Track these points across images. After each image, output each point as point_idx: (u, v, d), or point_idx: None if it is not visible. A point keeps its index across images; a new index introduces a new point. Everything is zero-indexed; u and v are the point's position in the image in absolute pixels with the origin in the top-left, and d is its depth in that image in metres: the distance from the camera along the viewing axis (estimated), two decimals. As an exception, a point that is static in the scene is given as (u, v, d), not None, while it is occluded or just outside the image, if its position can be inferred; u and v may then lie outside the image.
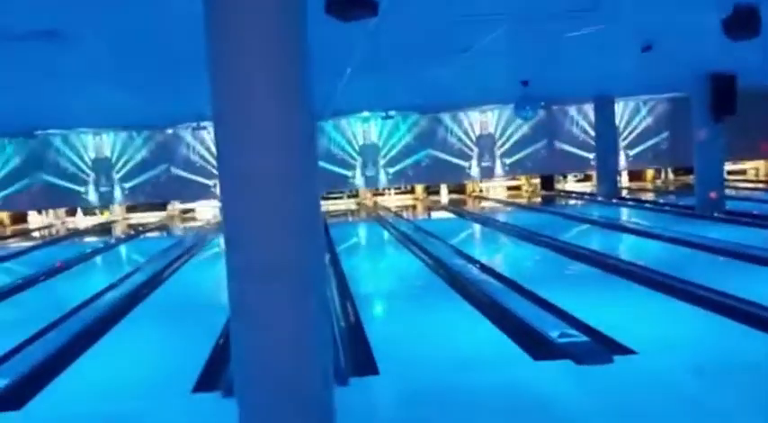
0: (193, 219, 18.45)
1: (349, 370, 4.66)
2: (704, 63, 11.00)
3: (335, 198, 19.79)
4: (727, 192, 13.24)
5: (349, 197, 20.10)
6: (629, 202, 15.82)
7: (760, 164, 20.64)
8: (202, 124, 16.19)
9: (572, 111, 19.81)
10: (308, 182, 3.22)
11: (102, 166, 18.86)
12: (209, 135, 18.01)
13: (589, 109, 18.46)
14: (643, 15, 6.67)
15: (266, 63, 3.11)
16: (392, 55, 8.27)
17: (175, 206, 19.75)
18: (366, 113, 18.16)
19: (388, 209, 17.80)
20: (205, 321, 6.35)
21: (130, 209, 19.88)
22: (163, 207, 19.82)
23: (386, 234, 13.03)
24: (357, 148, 19.60)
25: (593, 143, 18.21)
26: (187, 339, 5.96)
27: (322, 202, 17.88)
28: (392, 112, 18.47)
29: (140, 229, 16.70)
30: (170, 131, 18.81)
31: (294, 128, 3.16)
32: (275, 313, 3.16)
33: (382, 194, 20.16)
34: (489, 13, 6.12)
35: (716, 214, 11.95)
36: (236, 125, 3.15)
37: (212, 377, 4.73)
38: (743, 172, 20.64)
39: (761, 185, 18.04)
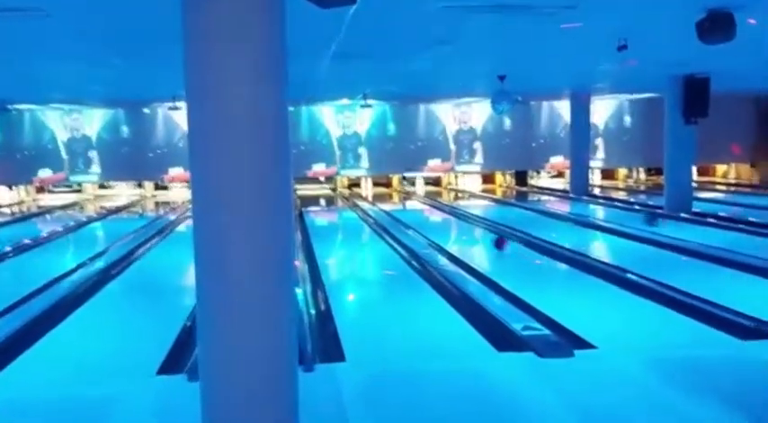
0: (167, 200, 18.30)
1: (316, 356, 4.70)
2: (678, 65, 11.17)
3: (311, 183, 19.76)
4: (697, 194, 13.51)
5: (325, 184, 20.10)
6: (600, 200, 16.04)
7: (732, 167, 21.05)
8: (177, 104, 16.05)
9: (548, 106, 20.01)
10: (279, 166, 3.22)
11: (76, 143, 18.62)
12: (183, 115, 17.87)
13: (565, 106, 18.62)
14: (619, 15, 6.76)
15: (241, 46, 3.10)
16: (371, 44, 8.27)
17: (149, 185, 19.58)
18: (345, 101, 18.15)
19: (364, 198, 17.83)
20: (173, 304, 6.34)
21: (103, 187, 19.67)
22: (138, 186, 19.65)
23: (360, 223, 13.06)
24: (334, 135, 19.61)
25: (567, 140, 18.41)
26: (153, 322, 5.94)
27: (297, 188, 17.89)
28: (371, 101, 18.47)
29: (112, 207, 16.53)
30: (146, 110, 18.62)
31: (267, 111, 3.17)
32: (241, 297, 3.18)
33: (358, 185, 20.19)
34: (469, 6, 6.15)
35: (684, 215, 12.18)
36: (208, 107, 3.15)
37: (178, 360, 4.74)
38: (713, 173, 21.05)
39: (731, 188, 18.40)
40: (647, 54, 9.29)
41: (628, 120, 20.32)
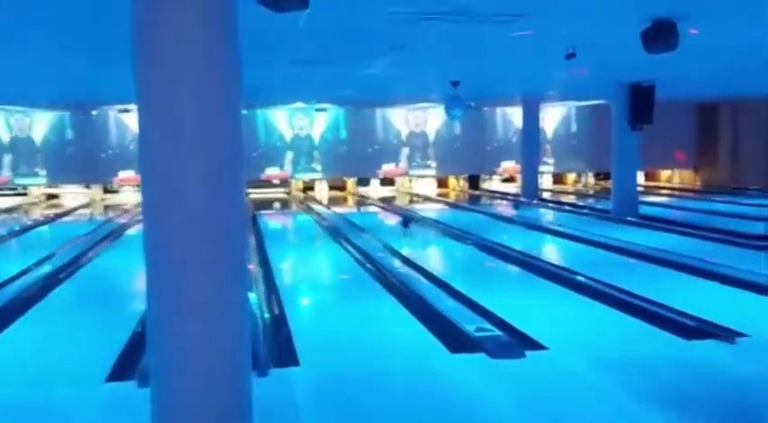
0: (116, 203, 17.91)
1: (270, 361, 4.68)
2: (625, 73, 11.49)
3: (265, 187, 19.61)
4: (643, 198, 13.91)
5: (279, 187, 19.97)
6: (550, 204, 16.36)
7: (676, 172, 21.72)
8: (128, 107, 15.76)
9: (501, 112, 20.35)
10: (232, 169, 3.20)
11: (22, 145, 18.08)
12: (134, 118, 17.55)
13: (517, 112, 18.94)
14: (568, 24, 6.93)
15: (193, 49, 3.08)
16: (325, 49, 8.28)
17: (98, 189, 19.14)
18: (299, 105, 18.09)
19: (318, 201, 17.78)
20: (122, 309, 6.23)
21: (51, 190, 19.13)
22: (86, 188, 19.18)
23: (315, 226, 13.03)
24: (288, 138, 19.54)
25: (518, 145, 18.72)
26: (102, 327, 5.82)
27: (251, 191, 17.70)
28: (325, 105, 18.47)
29: (61, 211, 16.10)
30: (95, 112, 18.21)
31: (219, 114, 3.14)
32: (193, 300, 3.15)
33: (312, 188, 20.13)
34: (421, 13, 6.22)
35: (630, 218, 12.51)
36: (159, 110, 3.12)
37: (128, 366, 4.66)
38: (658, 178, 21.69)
39: (675, 192, 18.98)
40: (595, 62, 9.54)
41: (577, 126, 20.82)
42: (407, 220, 12.58)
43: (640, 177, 16.57)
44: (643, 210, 13.27)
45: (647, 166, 18.79)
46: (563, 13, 6.33)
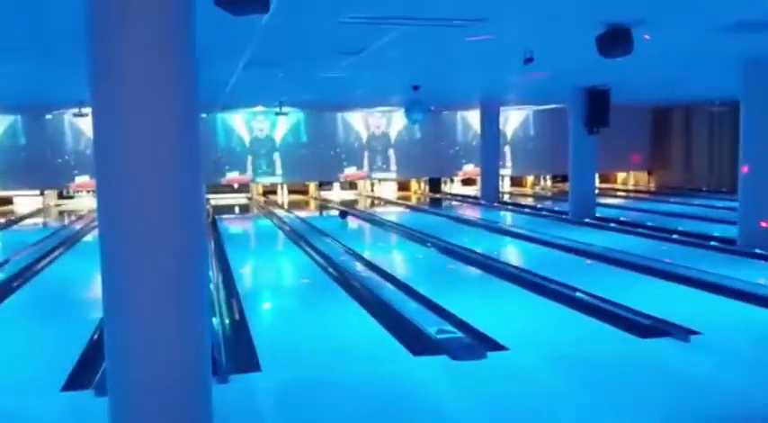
0: (72, 209, 17.52)
1: (231, 367, 4.63)
2: (581, 78, 11.70)
3: (225, 192, 19.41)
4: (600, 200, 14.18)
5: (239, 192, 19.79)
6: (510, 207, 16.56)
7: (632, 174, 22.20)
8: (83, 111, 15.41)
9: (462, 116, 20.54)
10: (189, 173, 3.18)
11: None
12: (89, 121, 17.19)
13: (476, 116, 19.12)
14: (525, 29, 7.03)
15: (149, 52, 3.05)
16: (284, 52, 8.25)
17: (52, 194, 18.69)
18: (260, 108, 17.97)
19: (279, 205, 17.68)
20: (78, 317, 6.09)
21: (4, 194, 18.60)
22: (40, 194, 18.70)
23: (276, 230, 12.95)
24: (249, 142, 19.39)
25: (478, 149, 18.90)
26: (58, 335, 5.69)
27: (211, 197, 17.45)
28: (286, 109, 18.38)
29: (14, 217, 15.67)
30: (49, 116, 17.79)
31: (177, 118, 3.12)
32: (151, 306, 3.12)
33: (274, 192, 20.01)
34: (380, 17, 6.25)
35: (587, 220, 12.75)
36: (114, 114, 3.07)
37: (85, 375, 4.56)
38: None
39: (630, 194, 19.39)
40: (552, 67, 9.70)
41: (535, 129, 21.14)
42: (345, 212, 14.59)
43: (597, 180, 16.90)
44: (600, 211, 13.53)
45: (604, 168, 19.17)
46: (520, 18, 6.42)
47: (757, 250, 8.67)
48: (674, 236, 10.48)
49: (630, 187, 21.41)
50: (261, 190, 20.01)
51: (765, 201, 8.98)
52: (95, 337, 5.27)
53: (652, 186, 20.96)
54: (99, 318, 5.23)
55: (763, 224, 8.87)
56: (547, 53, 8.10)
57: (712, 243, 9.70)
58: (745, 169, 9.18)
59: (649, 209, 14.87)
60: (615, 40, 6.44)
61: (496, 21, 6.48)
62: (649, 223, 12.10)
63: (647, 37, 6.64)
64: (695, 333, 5.24)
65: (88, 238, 11.60)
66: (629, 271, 7.98)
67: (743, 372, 4.54)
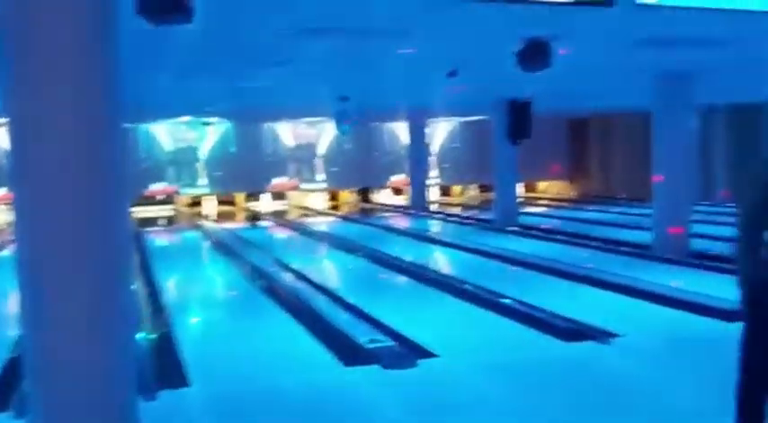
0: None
1: (159, 383, 4.53)
2: (503, 90, 12.04)
3: (150, 204, 18.90)
4: (523, 208, 14.58)
5: (164, 204, 19.31)
6: (438, 215, 16.83)
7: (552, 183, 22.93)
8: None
9: (390, 127, 20.75)
10: (111, 185, 3.11)
11: None
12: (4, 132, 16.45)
13: (405, 126, 19.35)
14: (449, 42, 7.20)
15: (68, 61, 2.98)
16: (210, 62, 8.16)
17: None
18: (185, 118, 17.64)
19: (206, 217, 17.36)
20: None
21: None
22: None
23: (203, 243, 12.72)
24: (174, 153, 18.98)
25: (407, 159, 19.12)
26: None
27: (135, 209, 16.86)
28: (213, 119, 18.12)
29: None
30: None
31: (97, 128, 3.05)
32: (72, 323, 3.02)
33: (200, 204, 19.63)
34: (306, 29, 6.28)
35: (510, 228, 13.09)
36: (31, 124, 2.98)
37: (3, 396, 4.37)
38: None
39: (552, 202, 20.03)
40: (475, 79, 9.95)
41: (461, 140, 21.58)
42: (255, 217, 15.40)
43: (520, 188, 17.38)
44: (523, 219, 13.93)
45: (526, 177, 19.74)
46: (443, 32, 6.58)
47: (670, 255, 9.12)
48: (594, 242, 10.90)
49: (552, 196, 22.11)
50: (186, 202, 19.59)
51: (676, 208, 9.46)
52: (15, 355, 5.05)
53: (573, 195, 21.72)
54: (17, 335, 5.03)
55: (673, 231, 9.34)
56: (470, 66, 8.32)
57: (629, 249, 10.15)
58: (657, 178, 9.66)
59: (570, 216, 15.40)
60: (534, 55, 6.67)
61: (421, 35, 6.62)
62: (570, 230, 12.53)
63: (562, 51, 6.91)
64: (616, 335, 5.47)
65: (5, 252, 11.08)
66: (551, 277, 8.24)
67: (661, 370, 4.77)
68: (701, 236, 9.64)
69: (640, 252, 9.76)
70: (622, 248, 10.24)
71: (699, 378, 4.52)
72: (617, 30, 6.55)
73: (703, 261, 8.64)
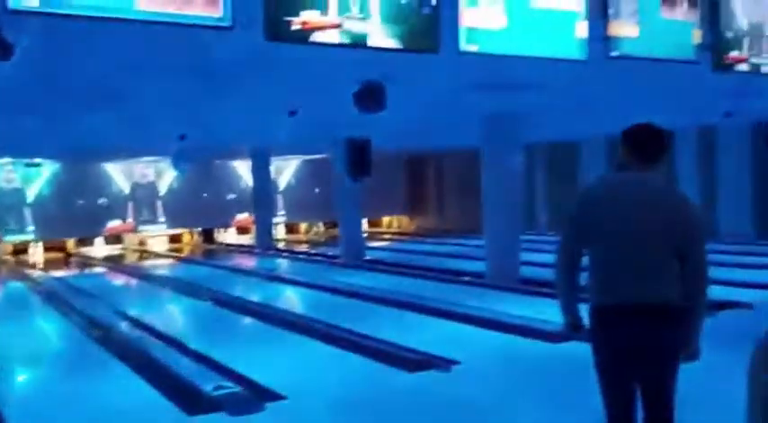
0: None
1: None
2: (342, 129, 12.35)
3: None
4: (369, 243, 14.93)
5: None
6: (285, 254, 16.75)
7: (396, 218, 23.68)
8: None
9: (233, 165, 20.47)
10: None
11: None
12: None
13: (248, 165, 19.18)
14: (287, 82, 7.33)
15: None
16: (36, 100, 7.69)
17: None
18: (7, 159, 16.31)
19: (32, 265, 16.04)
20: None
21: None
22: None
23: (30, 294, 11.73)
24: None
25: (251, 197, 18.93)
26: None
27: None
28: (37, 160, 16.90)
29: None
30: None
31: None
32: None
33: (25, 251, 18.10)
34: (140, 66, 6.14)
35: (358, 263, 13.34)
36: None
37: None
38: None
39: (395, 237, 20.66)
40: (315, 119, 10.16)
41: (307, 178, 21.75)
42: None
43: (365, 224, 17.78)
44: (369, 253, 14.25)
45: (369, 213, 20.25)
46: (280, 73, 6.70)
47: (502, 283, 9.74)
48: (434, 273, 11.38)
49: (395, 230, 22.82)
50: (10, 249, 18.00)
51: (505, 239, 10.14)
52: None
53: (413, 229, 22.55)
54: None
55: (504, 260, 9.97)
56: (310, 106, 8.50)
57: (466, 278, 10.70)
58: (487, 212, 10.33)
59: (412, 249, 15.97)
60: (370, 97, 6.96)
61: (260, 74, 6.69)
62: (412, 263, 12.99)
63: (396, 94, 7.23)
64: (456, 363, 5.73)
65: None
66: (395, 309, 8.49)
67: (500, 393, 5.06)
68: (529, 263, 10.39)
69: (476, 281, 10.33)
70: (460, 278, 10.78)
71: (532, 396, 4.86)
72: (444, 74, 7.01)
73: (531, 287, 9.32)
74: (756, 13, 6.04)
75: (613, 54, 5.34)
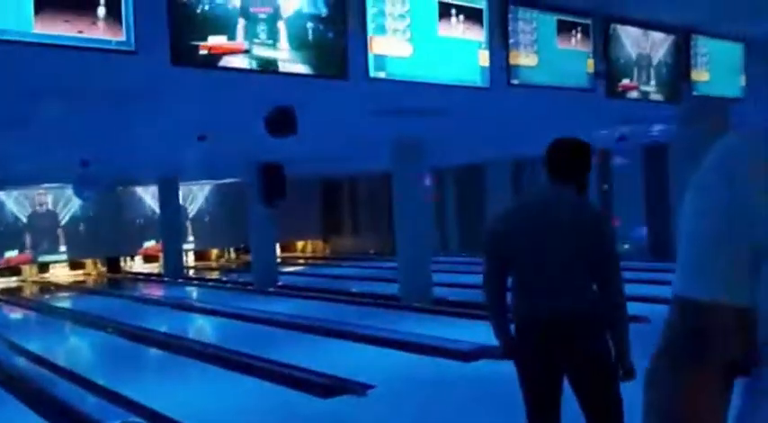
0: None
1: None
2: (254, 153, 12.25)
3: None
4: (282, 268, 14.77)
5: None
6: (195, 282, 16.32)
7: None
8: None
9: (140, 191, 19.82)
10: None
11: None
12: None
13: (155, 191, 18.65)
14: (195, 107, 7.22)
15: None
16: None
17: None
18: None
19: None
20: None
21: None
22: None
23: None
24: None
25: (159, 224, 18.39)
26: None
27: None
28: None
29: None
30: None
31: None
32: None
33: None
34: (41, 90, 5.91)
35: (271, 289, 13.17)
36: None
37: None
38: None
39: (309, 261, 20.54)
40: (226, 143, 10.03)
41: (217, 203, 21.31)
42: None
43: (278, 249, 17.60)
44: (283, 279, 14.09)
45: (283, 238, 20.05)
46: (188, 96, 6.60)
47: (415, 304, 9.86)
48: (348, 297, 11.38)
49: (309, 254, 22.68)
50: None
51: (418, 261, 10.29)
52: None
53: (328, 253, 22.49)
54: None
55: (416, 281, 10.12)
56: (220, 130, 8.39)
57: (380, 300, 10.77)
58: (399, 234, 10.47)
59: (326, 273, 15.93)
60: (280, 121, 6.95)
61: (164, 98, 6.57)
62: (327, 287, 12.95)
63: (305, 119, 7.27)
64: (371, 387, 5.74)
65: None
66: (310, 335, 8.42)
67: (413, 415, 5.11)
68: (441, 284, 10.56)
69: (390, 303, 10.41)
70: (373, 300, 10.84)
71: (448, 417, 4.94)
72: (354, 100, 7.10)
73: (444, 307, 9.48)
74: (643, 44, 6.46)
75: (514, 82, 5.56)
